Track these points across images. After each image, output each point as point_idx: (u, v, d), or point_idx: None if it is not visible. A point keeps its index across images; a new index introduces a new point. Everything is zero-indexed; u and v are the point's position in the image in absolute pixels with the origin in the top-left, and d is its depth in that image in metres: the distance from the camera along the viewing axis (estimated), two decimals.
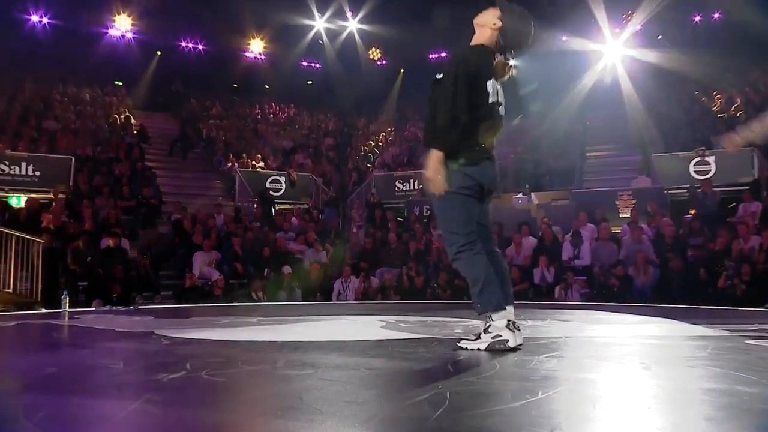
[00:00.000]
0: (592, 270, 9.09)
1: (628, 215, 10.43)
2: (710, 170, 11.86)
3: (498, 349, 2.99)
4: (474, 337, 3.13)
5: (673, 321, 5.04)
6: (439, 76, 3.03)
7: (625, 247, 9.19)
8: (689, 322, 4.96)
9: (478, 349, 3.03)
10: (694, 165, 12.03)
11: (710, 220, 9.85)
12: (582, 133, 16.08)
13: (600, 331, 4.52)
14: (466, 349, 3.07)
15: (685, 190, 11.63)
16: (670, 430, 1.77)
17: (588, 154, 15.21)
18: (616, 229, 10.04)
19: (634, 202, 10.93)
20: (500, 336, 3.01)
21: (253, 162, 15.74)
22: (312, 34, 20.61)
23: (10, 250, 8.69)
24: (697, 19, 18.77)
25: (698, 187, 11.15)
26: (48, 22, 18.39)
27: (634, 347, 3.61)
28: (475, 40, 3.17)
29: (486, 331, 3.06)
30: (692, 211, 10.34)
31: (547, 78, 17.89)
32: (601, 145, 16.04)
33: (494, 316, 3.03)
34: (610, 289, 8.63)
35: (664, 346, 3.65)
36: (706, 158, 11.90)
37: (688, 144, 13.02)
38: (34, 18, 18.25)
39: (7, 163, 11.90)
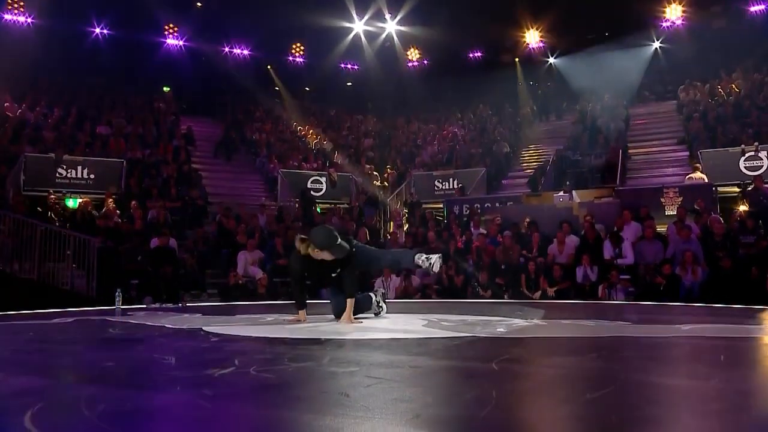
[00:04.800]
0: (637, 269, 8.83)
1: (674, 213, 10.07)
2: (762, 166, 11.40)
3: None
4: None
5: (724, 322, 4.85)
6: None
7: (672, 245, 8.89)
8: (740, 323, 4.77)
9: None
10: (745, 161, 11.60)
11: (764, 216, 9.39)
12: (624, 129, 15.68)
13: (647, 331, 4.39)
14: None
15: (736, 186, 11.22)
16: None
17: (630, 151, 14.80)
18: (661, 227, 9.71)
19: (680, 199, 10.54)
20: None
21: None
22: (351, 36, 20.71)
23: (68, 249, 9.06)
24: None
25: (750, 183, 10.71)
26: (106, 33, 19.08)
27: (684, 348, 3.49)
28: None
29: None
30: (743, 208, 9.92)
31: (591, 76, 17.58)
32: (644, 141, 15.60)
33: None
34: (656, 288, 8.36)
35: (715, 347, 3.52)
36: (759, 153, 11.46)
37: (737, 139, 12.57)
38: (96, 30, 18.98)
39: (64, 166, 12.40)
